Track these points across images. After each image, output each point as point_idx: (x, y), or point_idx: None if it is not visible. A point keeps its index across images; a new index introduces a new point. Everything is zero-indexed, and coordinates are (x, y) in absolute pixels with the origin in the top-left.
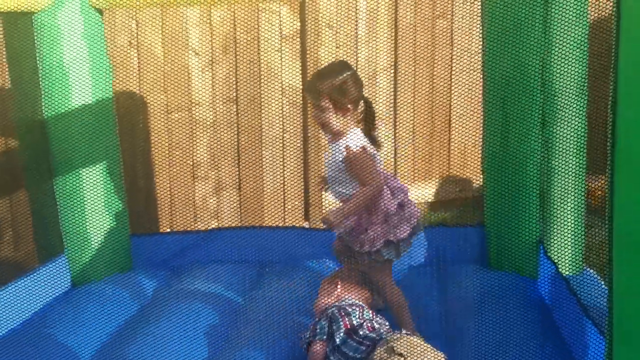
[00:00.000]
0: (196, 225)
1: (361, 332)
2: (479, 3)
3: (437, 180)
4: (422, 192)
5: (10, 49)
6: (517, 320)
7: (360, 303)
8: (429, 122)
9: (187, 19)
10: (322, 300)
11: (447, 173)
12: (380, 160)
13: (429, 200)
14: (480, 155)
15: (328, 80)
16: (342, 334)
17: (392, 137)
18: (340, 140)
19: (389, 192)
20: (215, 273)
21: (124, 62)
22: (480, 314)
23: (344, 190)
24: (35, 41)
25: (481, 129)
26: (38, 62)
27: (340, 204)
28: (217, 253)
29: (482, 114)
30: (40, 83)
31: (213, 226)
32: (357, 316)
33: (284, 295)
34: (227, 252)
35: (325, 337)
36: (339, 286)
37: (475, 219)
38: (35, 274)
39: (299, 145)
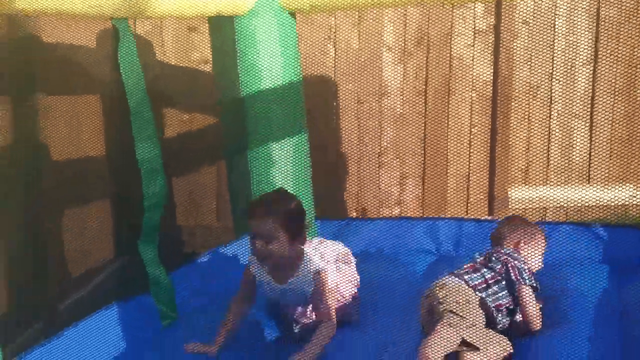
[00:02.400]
0: (381, 212)
1: None
2: None
3: (633, 183)
4: (616, 195)
5: (214, 47)
6: None
7: None
8: (628, 121)
9: (383, 15)
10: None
11: None
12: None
13: (624, 203)
14: None
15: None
16: None
17: (588, 135)
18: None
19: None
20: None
21: (321, 55)
22: None
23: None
24: (236, 40)
25: None
26: (238, 58)
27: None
28: (399, 241)
29: None
30: (240, 76)
31: (396, 214)
32: None
33: None
34: (408, 240)
35: None
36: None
37: None
38: (230, 246)
39: (486, 138)
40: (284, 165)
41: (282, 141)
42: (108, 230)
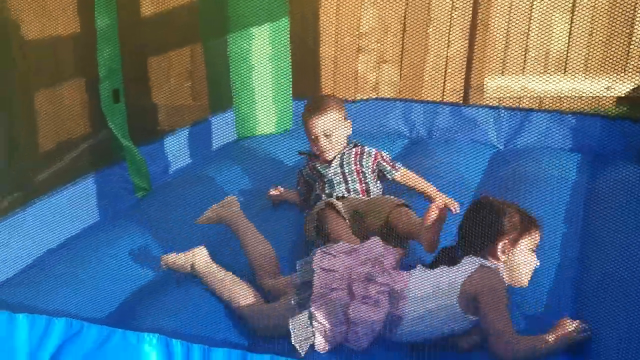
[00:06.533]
0: (356, 95)
1: None
2: None
3: (610, 75)
4: (591, 87)
5: None
6: None
7: None
8: (609, 13)
9: None
10: None
11: (623, 68)
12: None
13: (599, 94)
14: None
15: None
16: None
17: (568, 25)
18: None
19: None
20: None
21: None
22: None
23: None
24: None
25: None
26: None
27: None
28: (371, 124)
29: None
30: None
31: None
32: None
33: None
34: (381, 122)
35: None
36: None
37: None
38: (206, 124)
39: (466, 24)
40: (264, 46)
41: (263, 22)
42: (84, 105)
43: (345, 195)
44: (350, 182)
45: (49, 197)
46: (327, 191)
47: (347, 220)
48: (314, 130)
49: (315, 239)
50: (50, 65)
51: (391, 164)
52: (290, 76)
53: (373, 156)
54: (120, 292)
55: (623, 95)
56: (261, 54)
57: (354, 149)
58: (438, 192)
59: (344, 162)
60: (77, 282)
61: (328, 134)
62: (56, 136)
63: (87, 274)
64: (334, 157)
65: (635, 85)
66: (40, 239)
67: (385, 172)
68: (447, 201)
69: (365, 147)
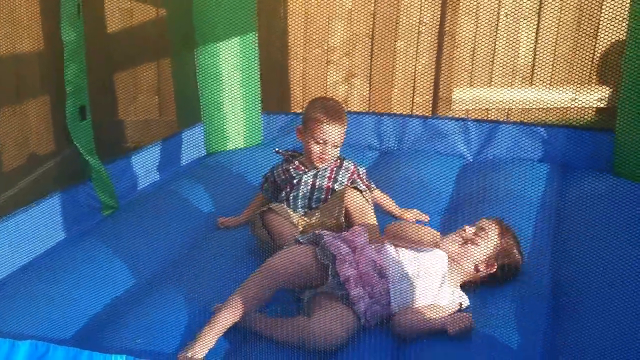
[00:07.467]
0: None
1: None
2: None
3: (576, 86)
4: (557, 97)
5: None
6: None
7: None
8: (575, 25)
9: None
10: None
11: (588, 80)
12: None
13: (565, 105)
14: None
15: None
16: None
17: (534, 37)
18: None
19: None
20: None
21: None
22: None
23: None
24: None
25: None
26: None
27: None
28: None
29: None
30: None
31: None
32: None
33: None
34: (352, 136)
35: None
36: None
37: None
38: (174, 139)
39: (433, 37)
40: (232, 61)
41: (231, 37)
42: (49, 121)
43: (307, 212)
44: (314, 198)
45: (13, 216)
46: (291, 200)
47: (295, 222)
48: (327, 137)
49: (268, 240)
50: (14, 81)
51: (367, 182)
52: (260, 90)
53: (349, 173)
54: (86, 312)
55: (589, 106)
56: (230, 68)
57: (332, 163)
58: (406, 211)
59: (319, 175)
60: (42, 303)
61: (337, 144)
62: (21, 154)
63: (53, 294)
64: (319, 168)
65: (600, 96)
66: (4, 260)
67: (359, 189)
68: (415, 215)
69: (345, 161)
